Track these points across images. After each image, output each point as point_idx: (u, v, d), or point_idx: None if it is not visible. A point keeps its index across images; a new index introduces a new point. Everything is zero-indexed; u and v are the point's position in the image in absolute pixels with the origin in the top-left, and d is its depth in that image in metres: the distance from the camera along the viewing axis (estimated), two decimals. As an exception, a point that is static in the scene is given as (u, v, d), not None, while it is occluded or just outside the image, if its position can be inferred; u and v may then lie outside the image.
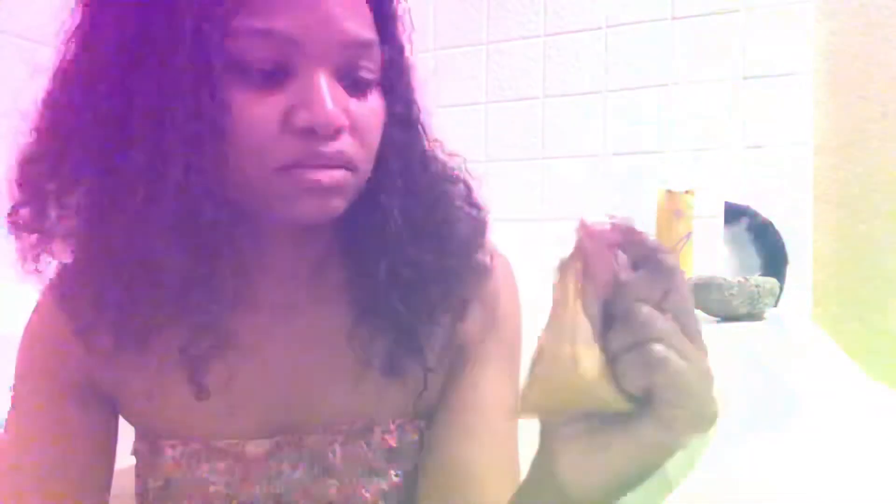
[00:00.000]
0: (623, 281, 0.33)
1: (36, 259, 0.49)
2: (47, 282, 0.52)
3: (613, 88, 1.41)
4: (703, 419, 0.33)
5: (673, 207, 1.22)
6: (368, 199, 0.51)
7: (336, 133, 0.46)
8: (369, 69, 0.48)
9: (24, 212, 0.48)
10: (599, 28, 1.42)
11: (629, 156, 1.39)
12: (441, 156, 0.58)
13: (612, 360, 0.33)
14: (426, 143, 0.56)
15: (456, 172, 0.58)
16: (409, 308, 0.53)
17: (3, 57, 1.16)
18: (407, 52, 0.53)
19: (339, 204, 0.48)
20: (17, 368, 0.55)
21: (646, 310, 0.32)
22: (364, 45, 0.47)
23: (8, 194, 0.48)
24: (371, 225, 0.52)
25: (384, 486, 0.56)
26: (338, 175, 0.47)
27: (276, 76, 0.45)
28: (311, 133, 0.45)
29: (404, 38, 0.53)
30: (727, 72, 1.31)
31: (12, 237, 0.48)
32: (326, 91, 0.45)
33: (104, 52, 0.45)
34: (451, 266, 0.54)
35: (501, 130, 1.50)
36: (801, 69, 1.26)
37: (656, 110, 1.37)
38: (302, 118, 0.45)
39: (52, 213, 0.47)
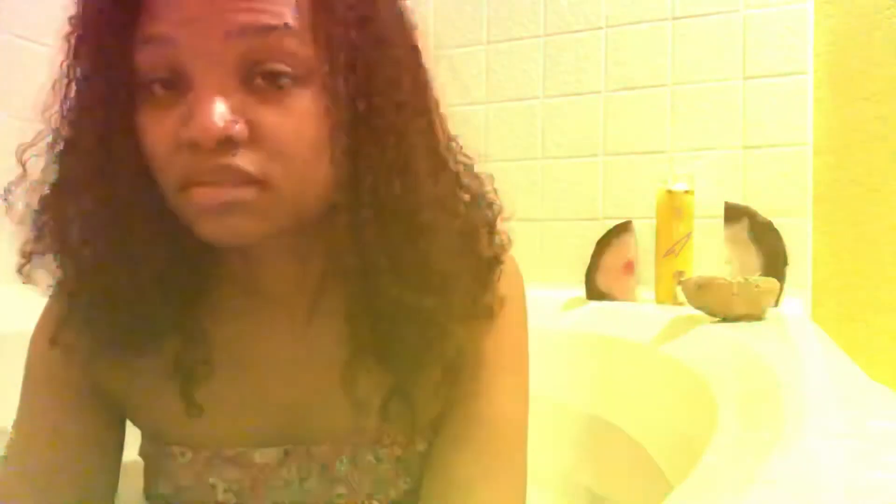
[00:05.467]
0: None
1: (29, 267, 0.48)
2: (52, 287, 0.52)
3: (613, 88, 1.41)
4: None
5: (673, 207, 1.22)
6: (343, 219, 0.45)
7: (226, 146, 0.40)
8: (286, 62, 0.41)
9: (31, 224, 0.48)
10: (599, 28, 1.42)
11: (629, 156, 1.39)
12: (467, 178, 0.52)
13: None
14: (422, 153, 0.47)
15: (481, 202, 0.52)
16: (394, 349, 0.48)
17: (3, 57, 1.16)
18: (374, 32, 0.44)
19: (247, 225, 0.42)
20: (25, 372, 0.55)
21: None
22: (265, 33, 0.40)
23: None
24: (341, 247, 0.45)
25: (393, 494, 0.56)
26: (234, 193, 0.41)
27: (176, 88, 0.41)
28: (196, 147, 0.40)
29: (365, 14, 0.44)
30: (727, 72, 1.31)
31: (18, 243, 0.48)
32: (211, 98, 0.40)
33: (63, 75, 0.46)
34: (433, 307, 0.46)
35: (501, 130, 1.50)
36: (801, 69, 1.26)
37: (656, 110, 1.37)
38: (183, 132, 0.40)
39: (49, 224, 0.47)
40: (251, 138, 0.41)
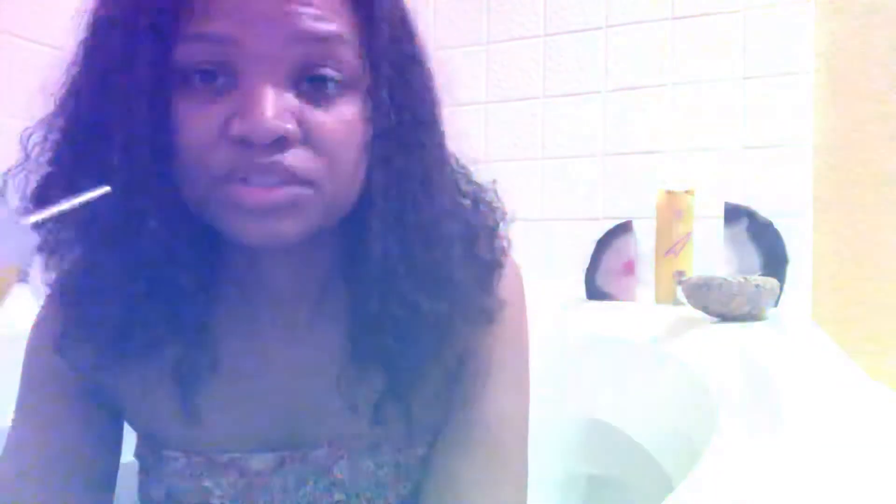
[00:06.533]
0: None
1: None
2: (49, 288, 0.51)
3: (613, 88, 1.41)
4: None
5: (673, 207, 1.22)
6: (361, 222, 0.46)
7: (279, 144, 0.41)
8: (336, 69, 0.43)
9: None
10: (599, 28, 1.42)
11: (629, 156, 1.39)
12: (467, 185, 0.53)
13: None
14: (436, 166, 0.49)
15: (482, 207, 0.53)
16: (399, 354, 0.48)
17: (3, 57, 1.16)
18: (407, 50, 0.47)
19: (289, 226, 0.43)
20: (22, 372, 0.54)
21: None
22: (322, 41, 0.42)
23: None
24: (362, 252, 0.46)
25: (393, 499, 0.55)
26: (282, 193, 0.41)
27: (221, 83, 0.42)
28: (247, 143, 0.40)
29: (400, 33, 0.47)
30: (727, 71, 1.31)
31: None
32: (267, 96, 0.40)
33: (83, 65, 0.45)
34: (445, 312, 0.48)
35: (501, 130, 1.50)
36: (801, 69, 1.26)
37: (656, 110, 1.37)
38: (236, 126, 0.40)
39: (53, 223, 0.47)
40: (302, 139, 0.42)
